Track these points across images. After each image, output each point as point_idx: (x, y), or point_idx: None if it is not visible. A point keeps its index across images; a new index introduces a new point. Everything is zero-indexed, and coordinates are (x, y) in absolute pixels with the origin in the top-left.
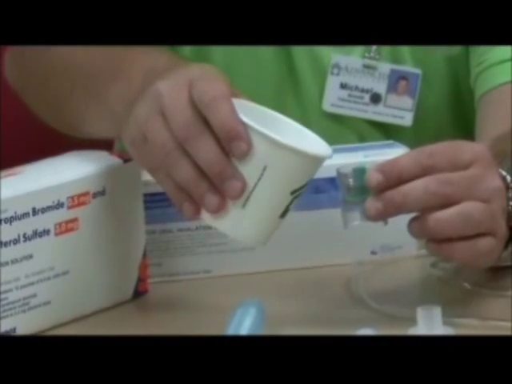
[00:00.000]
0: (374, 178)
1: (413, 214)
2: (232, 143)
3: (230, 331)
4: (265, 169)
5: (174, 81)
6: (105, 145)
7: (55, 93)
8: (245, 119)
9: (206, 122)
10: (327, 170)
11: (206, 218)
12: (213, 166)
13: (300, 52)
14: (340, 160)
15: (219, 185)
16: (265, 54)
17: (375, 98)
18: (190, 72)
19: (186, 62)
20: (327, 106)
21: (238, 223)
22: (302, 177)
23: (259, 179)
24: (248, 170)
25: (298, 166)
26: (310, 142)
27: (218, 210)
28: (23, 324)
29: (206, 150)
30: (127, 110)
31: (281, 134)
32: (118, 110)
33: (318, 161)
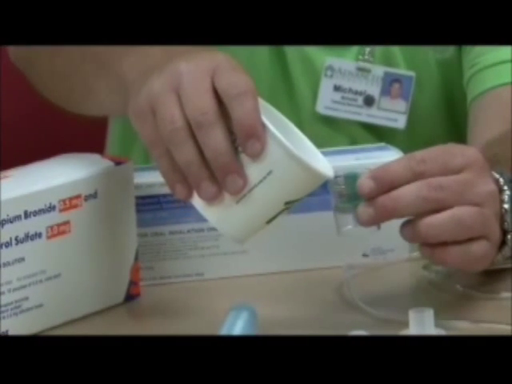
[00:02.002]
0: (365, 185)
1: (405, 218)
2: (248, 140)
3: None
4: (269, 173)
5: (197, 64)
6: (97, 148)
7: (63, 65)
8: (265, 121)
9: (221, 113)
10: None
11: (197, 203)
12: (220, 157)
13: (293, 54)
14: (332, 163)
15: (221, 176)
16: (259, 56)
17: (369, 101)
18: (215, 59)
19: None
20: (321, 109)
21: (226, 217)
22: (301, 191)
23: (261, 181)
24: (252, 170)
25: (301, 180)
26: (315, 159)
27: (213, 199)
28: (15, 327)
29: (217, 140)
30: (140, 79)
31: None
32: (129, 79)
33: (321, 179)
